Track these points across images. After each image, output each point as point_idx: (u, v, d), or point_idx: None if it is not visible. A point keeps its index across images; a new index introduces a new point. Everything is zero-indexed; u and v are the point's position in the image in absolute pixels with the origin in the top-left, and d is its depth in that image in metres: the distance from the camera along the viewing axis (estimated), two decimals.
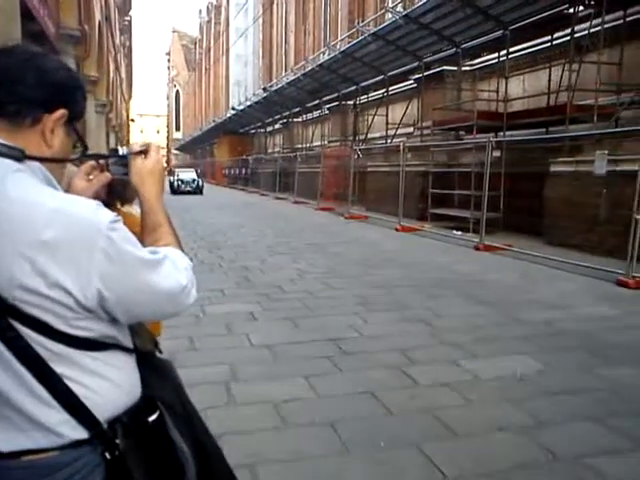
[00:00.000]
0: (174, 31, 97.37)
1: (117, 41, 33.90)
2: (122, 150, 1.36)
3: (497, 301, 6.32)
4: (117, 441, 1.06)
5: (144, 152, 1.33)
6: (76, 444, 1.03)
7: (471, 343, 4.81)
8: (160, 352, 1.33)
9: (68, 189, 1.28)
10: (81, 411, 1.04)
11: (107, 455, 1.05)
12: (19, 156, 1.06)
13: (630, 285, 6.99)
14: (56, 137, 1.13)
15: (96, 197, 1.28)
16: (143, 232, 1.27)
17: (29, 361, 0.99)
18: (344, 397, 3.71)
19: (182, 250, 1.24)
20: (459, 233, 12.01)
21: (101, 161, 1.36)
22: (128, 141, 49.65)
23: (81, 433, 1.04)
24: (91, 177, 1.33)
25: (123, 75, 43.60)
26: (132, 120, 62.40)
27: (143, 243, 1.17)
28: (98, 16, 19.46)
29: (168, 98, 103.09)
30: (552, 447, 3.02)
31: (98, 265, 1.00)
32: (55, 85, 1.12)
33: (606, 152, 8.87)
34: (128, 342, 1.16)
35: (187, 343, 4.73)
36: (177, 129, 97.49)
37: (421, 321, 5.49)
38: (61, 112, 1.12)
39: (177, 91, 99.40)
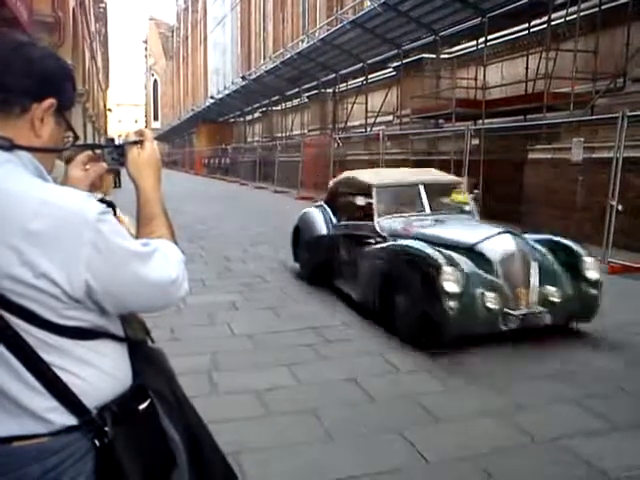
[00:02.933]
0: (151, 19, 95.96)
1: (92, 28, 33.22)
2: (118, 140, 1.36)
3: None
4: (106, 429, 1.06)
5: (140, 142, 1.33)
6: (66, 430, 1.04)
7: None
8: (152, 341, 1.33)
9: (64, 180, 1.28)
10: (69, 398, 1.04)
11: (96, 442, 1.06)
12: (7, 146, 1.05)
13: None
14: (45, 126, 1.13)
15: (92, 187, 1.29)
16: (138, 224, 1.26)
17: (17, 349, 1.00)
18: (326, 384, 3.75)
19: (175, 243, 1.24)
20: None
21: (97, 151, 1.36)
22: (106, 131, 48.96)
23: (70, 420, 1.05)
24: (87, 167, 1.33)
25: (99, 64, 42.86)
26: (109, 110, 61.53)
27: (135, 237, 1.17)
28: (72, 2, 19.04)
29: (146, 87, 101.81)
30: (530, 430, 3.08)
31: (85, 256, 1.00)
32: (43, 74, 1.11)
33: (582, 139, 8.98)
34: (119, 331, 1.16)
35: (168, 333, 4.71)
36: (155, 118, 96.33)
37: None
38: (50, 101, 1.11)
39: (155, 80, 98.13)
